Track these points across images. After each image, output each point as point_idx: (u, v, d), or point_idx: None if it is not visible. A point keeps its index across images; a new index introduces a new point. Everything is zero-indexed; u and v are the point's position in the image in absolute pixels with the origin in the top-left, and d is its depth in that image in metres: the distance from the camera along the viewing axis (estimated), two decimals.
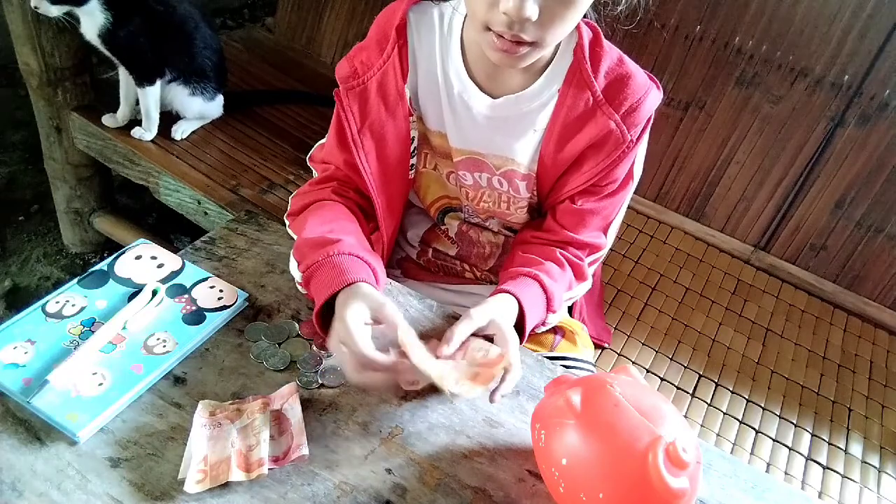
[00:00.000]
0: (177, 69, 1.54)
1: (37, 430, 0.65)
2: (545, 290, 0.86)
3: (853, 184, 1.55)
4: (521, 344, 0.86)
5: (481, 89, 0.86)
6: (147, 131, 1.57)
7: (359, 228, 0.86)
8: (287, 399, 0.71)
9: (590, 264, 0.94)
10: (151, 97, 1.52)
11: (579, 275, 0.92)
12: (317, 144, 0.97)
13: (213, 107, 1.66)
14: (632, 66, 0.85)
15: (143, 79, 1.49)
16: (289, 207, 0.92)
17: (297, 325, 0.81)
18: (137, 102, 1.56)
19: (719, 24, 1.55)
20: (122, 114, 1.58)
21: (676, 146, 1.68)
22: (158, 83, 1.52)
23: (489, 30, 0.73)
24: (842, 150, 1.53)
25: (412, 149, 0.91)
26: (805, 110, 1.54)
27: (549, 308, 0.87)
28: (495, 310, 0.79)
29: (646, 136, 0.87)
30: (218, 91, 1.64)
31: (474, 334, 0.77)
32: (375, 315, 0.73)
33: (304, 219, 0.86)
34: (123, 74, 1.53)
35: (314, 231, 0.82)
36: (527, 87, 0.85)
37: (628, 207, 1.72)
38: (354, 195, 0.91)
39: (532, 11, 0.69)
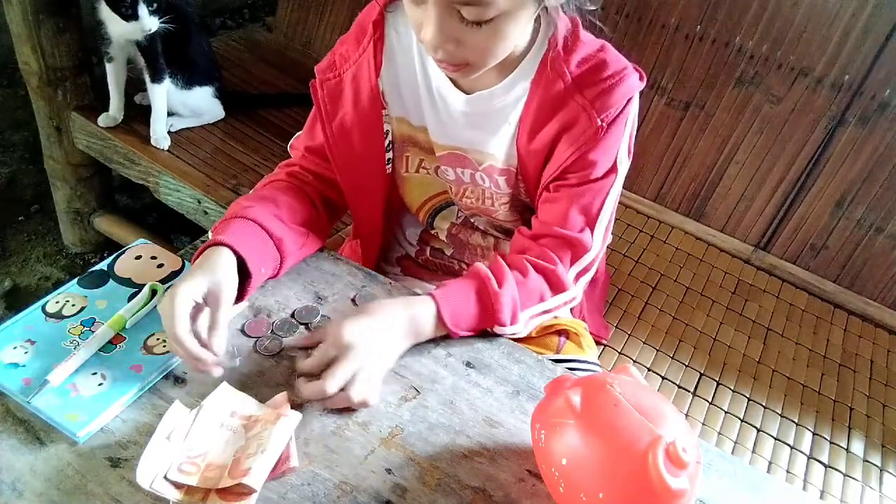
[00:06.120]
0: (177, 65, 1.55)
1: (37, 430, 0.65)
2: (484, 293, 0.81)
3: (853, 184, 1.55)
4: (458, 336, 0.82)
5: (456, 85, 0.86)
6: (163, 138, 1.58)
7: (292, 203, 0.86)
8: (280, 408, 0.70)
9: (577, 275, 0.87)
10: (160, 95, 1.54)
11: (555, 286, 0.85)
12: (297, 134, 0.98)
13: (209, 104, 1.65)
14: (610, 55, 0.83)
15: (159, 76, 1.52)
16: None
17: (297, 325, 0.81)
18: (129, 96, 1.58)
19: (719, 24, 1.55)
20: (115, 108, 1.58)
21: (676, 146, 1.68)
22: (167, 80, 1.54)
23: None
24: (842, 149, 1.53)
25: (387, 143, 0.92)
26: (805, 110, 1.53)
27: (494, 315, 0.81)
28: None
29: (625, 125, 0.83)
30: (204, 83, 1.65)
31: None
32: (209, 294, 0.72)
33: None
34: (114, 69, 1.53)
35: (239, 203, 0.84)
36: (500, 81, 0.85)
37: (628, 207, 1.74)
38: (314, 181, 0.92)
39: (443, 44, 0.71)
